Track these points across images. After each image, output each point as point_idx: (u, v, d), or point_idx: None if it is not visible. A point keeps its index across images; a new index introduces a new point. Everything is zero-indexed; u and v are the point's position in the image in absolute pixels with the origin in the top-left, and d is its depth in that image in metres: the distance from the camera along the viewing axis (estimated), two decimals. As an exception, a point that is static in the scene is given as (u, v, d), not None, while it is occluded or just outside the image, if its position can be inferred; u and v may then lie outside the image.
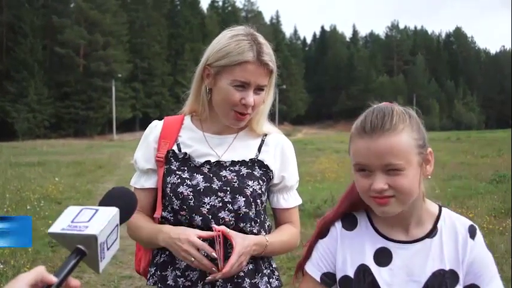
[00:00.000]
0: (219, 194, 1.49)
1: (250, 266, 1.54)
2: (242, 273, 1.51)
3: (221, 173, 1.52)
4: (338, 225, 1.31)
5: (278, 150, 1.61)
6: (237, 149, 1.58)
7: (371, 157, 1.14)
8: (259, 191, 1.53)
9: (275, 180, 1.60)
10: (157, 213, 1.57)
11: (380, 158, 1.13)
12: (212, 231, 1.43)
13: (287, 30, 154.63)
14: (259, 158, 1.57)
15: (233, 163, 1.55)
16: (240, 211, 1.49)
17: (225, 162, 1.55)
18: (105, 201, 0.99)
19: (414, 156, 1.15)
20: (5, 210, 7.72)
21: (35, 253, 5.41)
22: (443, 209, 1.27)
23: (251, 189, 1.50)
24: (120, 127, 54.16)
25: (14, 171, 13.88)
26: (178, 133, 1.61)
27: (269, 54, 1.49)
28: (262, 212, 1.59)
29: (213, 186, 1.50)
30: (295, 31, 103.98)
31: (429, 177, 1.20)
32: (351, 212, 1.32)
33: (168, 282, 1.53)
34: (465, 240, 1.20)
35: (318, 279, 1.30)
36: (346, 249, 1.27)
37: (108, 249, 0.90)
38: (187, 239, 1.41)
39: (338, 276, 1.27)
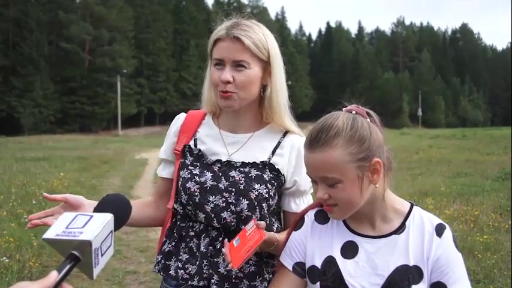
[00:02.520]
0: (224, 194, 1.48)
1: (252, 269, 1.52)
2: (241, 275, 1.50)
3: (230, 173, 1.51)
4: (311, 215, 1.36)
5: (294, 153, 1.56)
6: (250, 149, 1.55)
7: (310, 170, 1.22)
8: (266, 195, 1.50)
9: (287, 184, 1.56)
10: (169, 204, 1.60)
11: (316, 171, 1.20)
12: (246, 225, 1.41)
13: (292, 27, 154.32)
14: (271, 161, 1.54)
15: (243, 164, 1.52)
16: (242, 213, 1.48)
17: (236, 162, 1.53)
18: (100, 208, 1.00)
19: (351, 170, 1.17)
20: (11, 205, 7.77)
21: (40, 248, 5.43)
22: (414, 207, 1.30)
23: (256, 193, 1.48)
24: (125, 122, 54.17)
25: (20, 166, 13.95)
26: (198, 128, 1.62)
27: (245, 31, 1.45)
28: (267, 216, 1.54)
29: (220, 185, 1.49)
30: (301, 27, 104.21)
31: (376, 186, 1.22)
32: None
33: (170, 272, 1.56)
34: (431, 237, 1.23)
35: (290, 269, 1.33)
36: (316, 241, 1.31)
37: (102, 255, 0.90)
38: None
39: (306, 266, 1.31)
